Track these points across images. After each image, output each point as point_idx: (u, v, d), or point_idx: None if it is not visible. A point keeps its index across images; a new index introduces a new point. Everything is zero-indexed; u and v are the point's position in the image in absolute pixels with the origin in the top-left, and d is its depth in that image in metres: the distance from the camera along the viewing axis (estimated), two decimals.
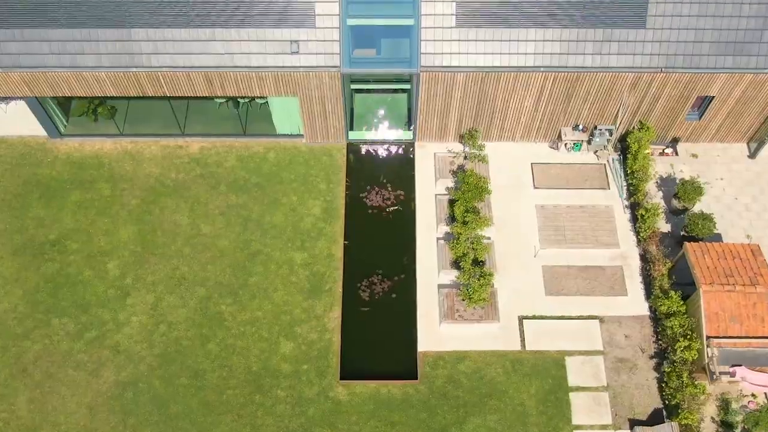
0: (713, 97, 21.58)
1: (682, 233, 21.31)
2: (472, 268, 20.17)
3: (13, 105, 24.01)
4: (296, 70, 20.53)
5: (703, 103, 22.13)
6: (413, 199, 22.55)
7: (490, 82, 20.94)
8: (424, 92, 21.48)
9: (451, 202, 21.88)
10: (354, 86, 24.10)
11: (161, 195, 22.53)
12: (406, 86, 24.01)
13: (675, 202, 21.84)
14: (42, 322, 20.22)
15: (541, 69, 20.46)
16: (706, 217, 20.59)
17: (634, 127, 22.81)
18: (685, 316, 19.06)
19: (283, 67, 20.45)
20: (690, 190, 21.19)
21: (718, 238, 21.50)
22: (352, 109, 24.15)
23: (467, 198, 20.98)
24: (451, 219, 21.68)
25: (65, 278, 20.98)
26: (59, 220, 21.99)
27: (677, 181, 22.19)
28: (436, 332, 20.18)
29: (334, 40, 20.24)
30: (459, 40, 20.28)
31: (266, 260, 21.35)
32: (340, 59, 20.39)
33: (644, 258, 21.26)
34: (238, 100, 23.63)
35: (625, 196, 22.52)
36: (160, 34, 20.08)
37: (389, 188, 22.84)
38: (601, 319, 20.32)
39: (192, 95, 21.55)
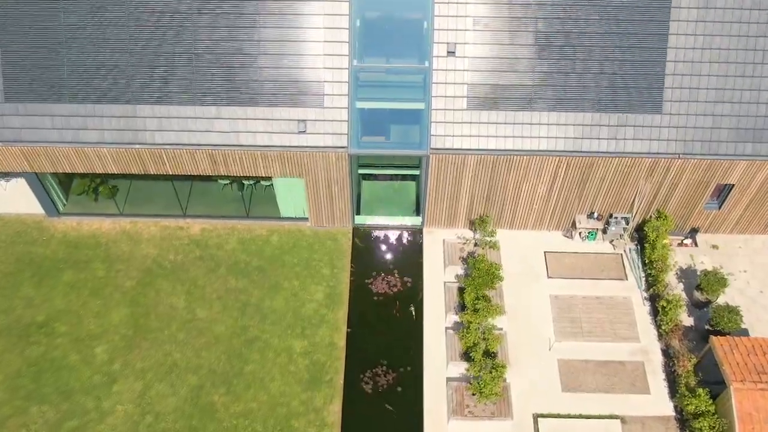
0: (733, 185, 20.87)
1: (706, 327, 20.05)
2: (484, 360, 18.85)
3: (14, 182, 23.52)
4: (303, 150, 20.01)
5: (723, 192, 21.38)
6: (421, 287, 21.50)
7: (501, 166, 20.33)
8: (434, 176, 20.85)
9: (461, 290, 20.81)
10: (362, 171, 23.58)
11: (157, 277, 21.56)
12: (415, 171, 23.48)
13: (697, 294, 20.69)
14: (20, 409, 18.80)
15: (555, 153, 19.88)
16: (732, 310, 19.38)
17: (651, 216, 21.99)
18: (715, 417, 17.54)
19: (289, 146, 19.95)
20: (713, 281, 20.09)
21: (744, 332, 20.21)
22: (359, 194, 23.51)
23: (478, 284, 19.93)
24: (461, 307, 20.53)
25: (50, 362, 19.71)
26: (49, 301, 20.95)
27: (698, 273, 21.13)
28: (444, 429, 18.63)
29: (343, 120, 19.81)
30: (470, 123, 19.82)
31: (264, 347, 20.09)
32: (348, 140, 19.90)
33: (667, 353, 19.91)
34: (243, 181, 23.06)
35: (644, 287, 21.41)
36: (165, 110, 19.72)
37: (396, 274, 21.84)
38: (623, 419, 18.76)
39: (195, 174, 20.99)
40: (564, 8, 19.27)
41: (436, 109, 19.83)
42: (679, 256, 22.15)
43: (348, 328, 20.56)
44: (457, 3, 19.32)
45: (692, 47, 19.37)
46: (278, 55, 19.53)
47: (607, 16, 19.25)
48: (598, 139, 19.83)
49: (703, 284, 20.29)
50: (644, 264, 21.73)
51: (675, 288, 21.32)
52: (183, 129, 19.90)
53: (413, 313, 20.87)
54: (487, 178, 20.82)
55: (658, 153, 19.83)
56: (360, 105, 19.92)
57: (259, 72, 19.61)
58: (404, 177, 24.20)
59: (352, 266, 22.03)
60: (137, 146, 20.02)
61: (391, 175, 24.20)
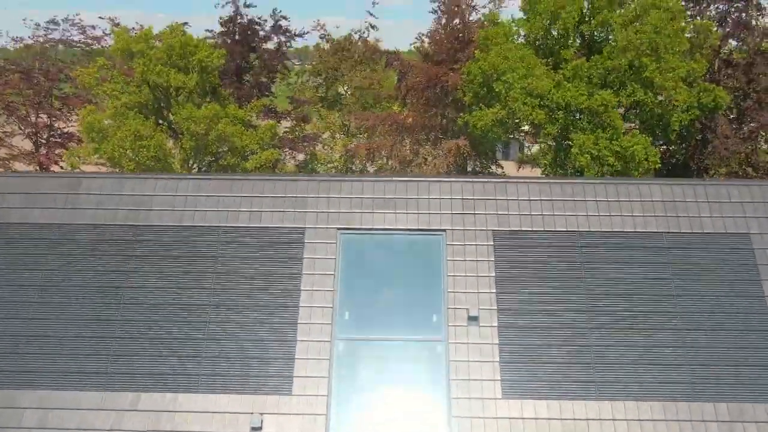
0: None
1: None
2: None
3: None
4: None
5: None
6: None
7: None
8: None
9: None
10: None
11: None
12: None
13: None
14: None
15: None
16: None
17: None
18: None
19: None
20: None
21: None
22: None
23: None
24: None
25: None
26: None
27: None
28: None
29: (319, 413, 13.26)
30: (510, 418, 13.22)
31: None
32: None
33: None
34: None
35: None
36: (51, 398, 13.30)
37: None
38: None
39: None
40: (619, 265, 14.69)
41: (457, 398, 13.46)
42: None
43: None
44: (476, 260, 14.79)
45: None
46: (228, 323, 14.12)
47: (680, 270, 14.56)
48: None
49: None
50: None
51: None
52: (79, 427, 13.14)
53: None
54: None
55: None
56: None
57: (199, 345, 13.89)
58: None
59: None
60: None
61: None
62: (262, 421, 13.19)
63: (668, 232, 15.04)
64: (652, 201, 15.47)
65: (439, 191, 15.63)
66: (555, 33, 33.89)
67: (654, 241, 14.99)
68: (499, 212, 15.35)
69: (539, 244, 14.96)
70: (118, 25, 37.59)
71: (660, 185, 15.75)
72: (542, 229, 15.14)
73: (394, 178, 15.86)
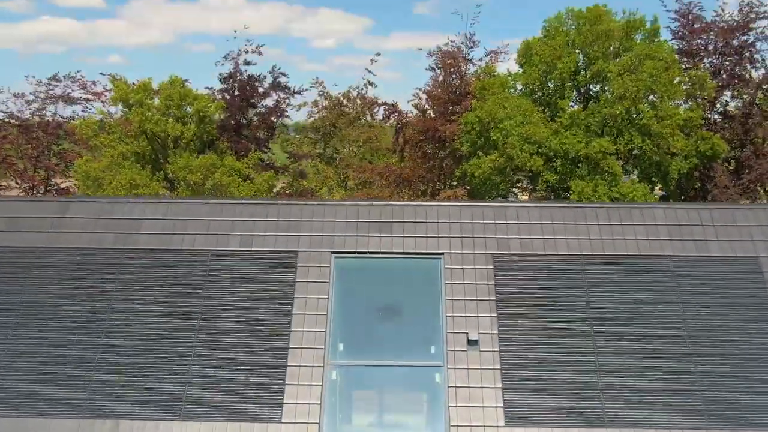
0: None
1: None
2: None
3: None
4: None
5: None
6: None
7: None
8: None
9: None
10: None
11: None
12: None
13: None
14: None
15: None
16: None
17: None
18: None
19: None
20: None
21: None
22: None
23: None
24: None
25: None
26: None
27: None
28: None
29: None
30: None
31: None
32: None
33: None
34: None
35: None
36: (23, 428, 12.54)
37: None
38: None
39: None
40: (624, 288, 14.12)
41: (457, 426, 12.65)
42: None
43: None
44: (476, 283, 14.22)
45: None
46: (215, 348, 13.44)
47: (688, 294, 13.98)
48: None
49: None
50: None
51: None
52: None
53: None
54: None
55: None
56: None
57: (184, 370, 13.16)
58: None
59: None
60: None
61: None
62: None
63: (674, 256, 14.55)
64: (656, 225, 15.02)
65: (437, 215, 15.20)
66: (551, 85, 34.14)
67: (660, 265, 14.46)
68: (499, 236, 14.88)
69: (542, 268, 14.42)
70: (119, 79, 37.83)
71: (664, 209, 15.34)
72: (544, 252, 14.63)
73: (390, 203, 15.47)
